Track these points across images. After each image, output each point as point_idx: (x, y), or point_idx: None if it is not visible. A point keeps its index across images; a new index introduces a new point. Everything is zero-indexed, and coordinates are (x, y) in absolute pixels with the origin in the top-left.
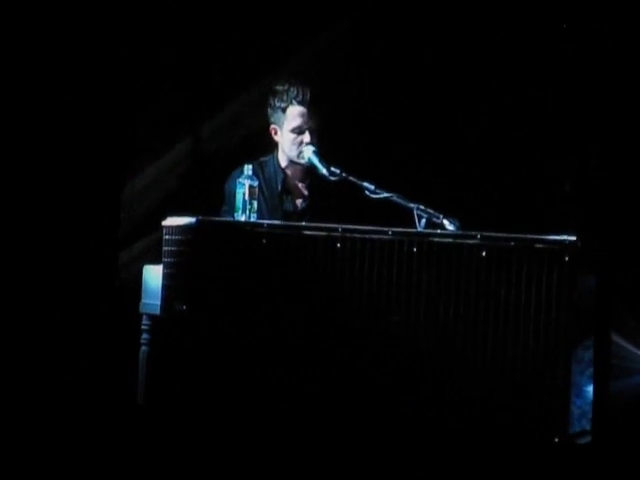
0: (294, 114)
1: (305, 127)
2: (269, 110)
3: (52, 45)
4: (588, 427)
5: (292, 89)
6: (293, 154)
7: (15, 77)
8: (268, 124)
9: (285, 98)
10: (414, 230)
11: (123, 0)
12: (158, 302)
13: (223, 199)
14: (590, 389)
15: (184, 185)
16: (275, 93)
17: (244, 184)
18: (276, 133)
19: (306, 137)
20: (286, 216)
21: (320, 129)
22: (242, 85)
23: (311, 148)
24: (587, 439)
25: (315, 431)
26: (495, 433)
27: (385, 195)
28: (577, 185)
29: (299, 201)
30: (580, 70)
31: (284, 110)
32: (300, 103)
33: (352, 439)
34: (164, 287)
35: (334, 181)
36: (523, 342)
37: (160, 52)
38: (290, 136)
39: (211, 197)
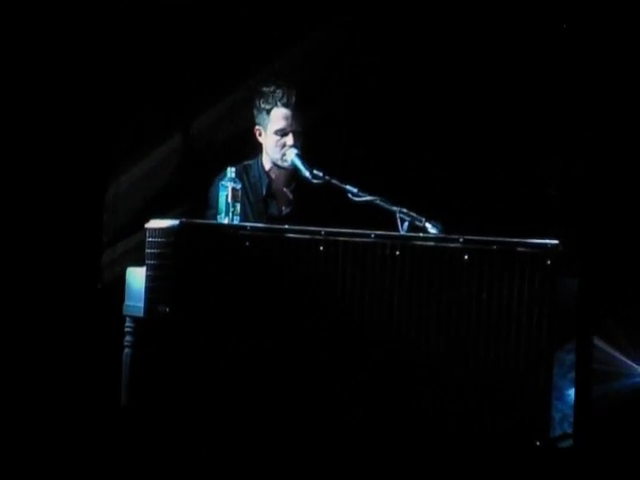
0: (278, 116)
1: (289, 129)
2: (255, 111)
3: (37, 43)
4: (569, 430)
5: (278, 91)
6: (276, 156)
7: None
8: (253, 125)
9: (270, 100)
10: (397, 233)
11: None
12: (141, 304)
13: (206, 203)
14: (572, 393)
15: (167, 187)
16: (261, 94)
17: (227, 187)
18: (260, 134)
19: (289, 139)
20: (271, 220)
21: (304, 132)
22: (227, 86)
23: (294, 150)
24: (568, 443)
25: (300, 433)
26: (476, 436)
27: (368, 198)
28: (561, 188)
29: (284, 205)
30: (566, 75)
31: (269, 112)
32: (285, 105)
33: (337, 440)
34: (147, 289)
35: (317, 184)
36: (505, 345)
37: (144, 55)
38: (274, 138)
39: (194, 199)
